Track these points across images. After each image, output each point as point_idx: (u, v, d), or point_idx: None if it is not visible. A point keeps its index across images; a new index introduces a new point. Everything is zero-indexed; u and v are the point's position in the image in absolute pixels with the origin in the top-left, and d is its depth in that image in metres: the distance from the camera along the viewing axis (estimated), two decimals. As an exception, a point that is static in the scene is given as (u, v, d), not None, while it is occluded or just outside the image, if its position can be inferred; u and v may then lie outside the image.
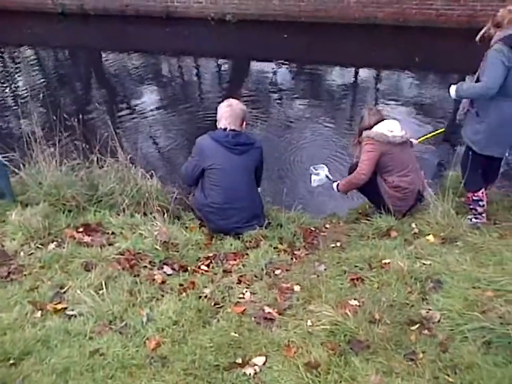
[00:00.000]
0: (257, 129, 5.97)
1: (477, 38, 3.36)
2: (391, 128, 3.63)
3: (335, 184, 3.95)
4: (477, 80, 3.33)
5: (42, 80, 8.19)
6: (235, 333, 2.21)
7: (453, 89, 3.42)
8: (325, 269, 2.88)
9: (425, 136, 4.78)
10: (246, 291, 2.62)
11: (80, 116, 3.94)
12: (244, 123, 3.42)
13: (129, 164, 3.83)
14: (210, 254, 3.07)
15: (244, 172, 3.34)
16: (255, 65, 8.92)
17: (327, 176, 4.06)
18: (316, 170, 4.09)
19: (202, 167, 3.32)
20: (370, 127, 3.66)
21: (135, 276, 2.65)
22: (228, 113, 3.32)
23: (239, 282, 2.72)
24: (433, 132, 4.45)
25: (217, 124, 3.39)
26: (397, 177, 3.65)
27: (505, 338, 2.11)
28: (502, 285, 2.48)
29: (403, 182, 3.65)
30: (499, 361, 2.03)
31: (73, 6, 11.00)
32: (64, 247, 2.89)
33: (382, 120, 3.70)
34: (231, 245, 3.20)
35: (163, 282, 2.64)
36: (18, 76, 8.34)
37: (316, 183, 4.07)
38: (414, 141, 3.97)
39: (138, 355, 2.03)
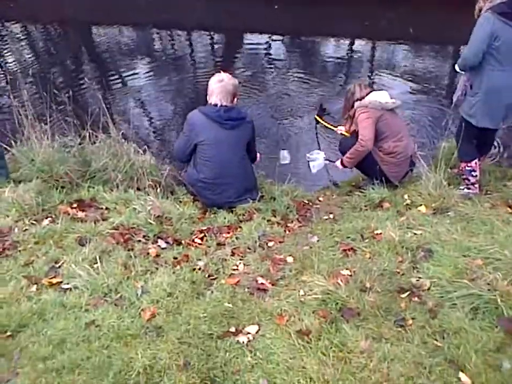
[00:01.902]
0: (250, 102, 5.92)
1: (475, 14, 3.34)
2: (382, 96, 3.75)
3: (338, 162, 3.98)
4: None
5: (31, 56, 8.06)
6: (228, 303, 2.26)
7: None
8: (318, 240, 2.92)
9: (326, 123, 4.76)
10: (240, 263, 2.66)
11: (71, 92, 3.92)
12: (235, 98, 3.39)
13: (121, 140, 3.82)
14: (204, 228, 3.09)
15: (236, 146, 3.34)
16: (246, 38, 8.79)
17: (325, 159, 4.10)
18: (312, 155, 4.12)
19: (194, 142, 3.32)
20: (362, 98, 3.75)
21: (129, 250, 2.68)
22: (219, 89, 3.29)
23: (233, 254, 2.76)
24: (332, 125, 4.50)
25: (207, 98, 3.37)
26: (392, 143, 3.74)
27: (492, 304, 2.16)
28: (491, 253, 2.53)
29: (398, 147, 3.74)
30: (485, 326, 2.09)
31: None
32: (58, 223, 2.90)
33: (371, 92, 3.80)
34: (225, 218, 3.23)
35: (157, 255, 2.67)
36: (6, 52, 8.18)
37: (315, 168, 4.12)
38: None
39: (133, 326, 2.07)
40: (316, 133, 4.86)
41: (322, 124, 4.89)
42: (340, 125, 4.38)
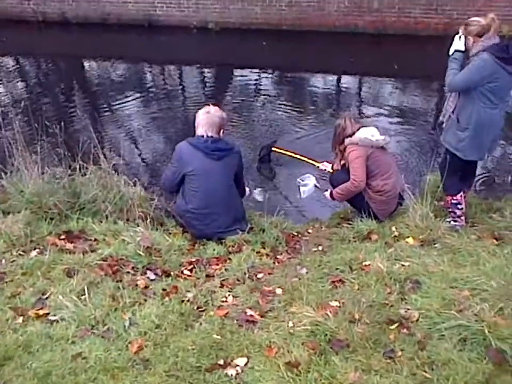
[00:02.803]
0: (239, 135, 6.03)
1: (455, 48, 3.43)
2: (372, 133, 3.76)
3: (327, 193, 4.00)
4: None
5: (23, 88, 8.17)
6: (217, 335, 2.25)
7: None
8: (307, 272, 2.93)
9: (299, 157, 4.66)
10: (229, 295, 2.66)
11: (62, 124, 3.96)
12: (222, 130, 3.47)
13: (112, 171, 3.85)
14: (193, 259, 3.10)
15: (223, 176, 3.40)
16: (237, 73, 9.01)
17: (315, 186, 4.12)
18: (303, 181, 4.15)
19: (182, 173, 3.37)
20: (352, 134, 3.76)
21: (117, 281, 2.67)
22: (205, 120, 3.38)
23: (222, 286, 2.76)
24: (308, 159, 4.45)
25: (195, 130, 3.45)
26: (381, 181, 3.75)
27: (479, 335, 2.19)
28: (478, 284, 2.57)
29: (387, 185, 3.76)
30: (474, 357, 2.11)
31: (54, 14, 10.98)
32: (46, 254, 2.89)
33: (361, 127, 3.83)
34: (214, 250, 3.24)
35: (146, 287, 2.67)
36: (-1, 85, 8.29)
37: (305, 194, 4.14)
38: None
39: (120, 358, 2.05)
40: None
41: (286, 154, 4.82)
42: (324, 161, 4.42)
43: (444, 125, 3.65)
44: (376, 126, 4.05)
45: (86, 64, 9.49)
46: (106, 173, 3.83)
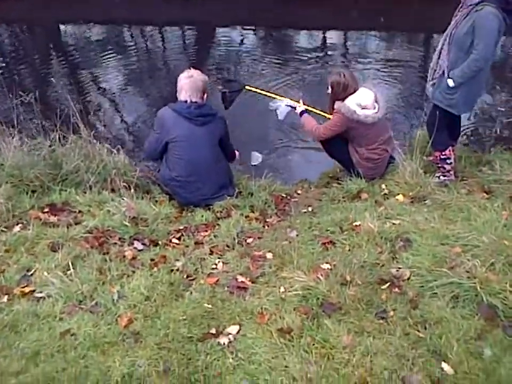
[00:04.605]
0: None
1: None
2: (365, 102, 3.53)
3: (299, 109, 3.93)
4: (449, 41, 3.28)
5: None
6: (208, 304, 2.20)
7: (450, 81, 3.29)
8: (297, 235, 2.88)
9: (314, 109, 4.30)
10: (218, 261, 2.61)
11: (38, 92, 3.76)
12: (205, 95, 3.33)
13: (93, 140, 3.70)
14: (181, 227, 3.03)
15: (207, 142, 3.28)
16: (219, 32, 8.67)
17: (287, 105, 4.02)
18: (275, 103, 4.06)
19: (165, 140, 3.25)
20: (345, 98, 3.57)
21: (104, 254, 2.60)
22: (188, 85, 3.23)
23: (211, 253, 2.70)
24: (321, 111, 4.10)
25: (177, 95, 3.30)
26: (367, 150, 3.65)
27: (471, 292, 2.17)
28: (469, 240, 2.54)
29: (373, 154, 3.66)
30: (466, 313, 2.09)
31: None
32: (29, 229, 2.79)
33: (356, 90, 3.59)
34: (202, 216, 3.17)
35: (133, 258, 2.60)
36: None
37: (282, 115, 4.04)
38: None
39: (110, 333, 2.00)
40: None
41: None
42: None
43: (433, 83, 3.51)
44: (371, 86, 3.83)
45: (61, 28, 9.05)
46: (87, 142, 3.68)
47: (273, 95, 4.13)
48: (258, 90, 4.24)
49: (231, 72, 6.79)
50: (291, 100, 4.11)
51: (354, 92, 3.57)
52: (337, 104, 3.55)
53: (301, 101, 4.04)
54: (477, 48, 3.12)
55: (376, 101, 3.59)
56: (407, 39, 7.88)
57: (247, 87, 4.30)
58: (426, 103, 3.74)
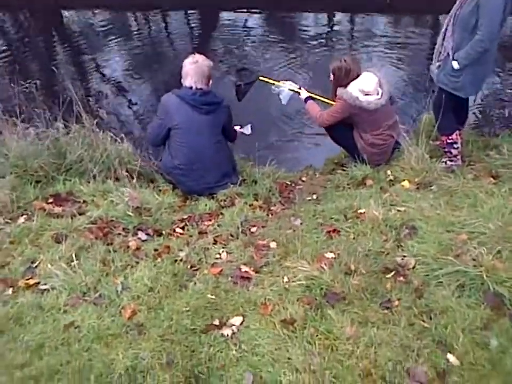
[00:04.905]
0: (229, 83, 5.75)
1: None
2: (368, 88, 3.46)
3: (304, 95, 3.89)
4: (453, 22, 3.18)
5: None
6: (212, 294, 2.19)
7: (455, 64, 3.20)
8: (301, 223, 2.85)
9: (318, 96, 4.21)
10: (222, 251, 2.59)
11: (41, 81, 3.73)
12: (210, 81, 3.27)
13: (96, 129, 3.67)
14: (185, 216, 3.00)
15: (211, 131, 3.23)
16: (225, 16, 8.52)
17: (290, 89, 3.99)
18: (278, 88, 4.01)
19: (168, 126, 3.21)
20: (357, 76, 3.49)
21: (108, 245, 2.58)
22: (193, 70, 3.17)
23: (215, 242, 2.68)
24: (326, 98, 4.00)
25: (182, 81, 3.24)
26: (371, 136, 3.59)
27: (477, 280, 2.13)
28: (475, 227, 2.50)
29: (378, 139, 3.60)
30: (472, 303, 2.06)
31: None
32: (34, 220, 2.78)
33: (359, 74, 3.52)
34: (206, 205, 3.14)
35: (137, 248, 2.58)
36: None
37: (285, 100, 4.02)
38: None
39: (114, 325, 2.00)
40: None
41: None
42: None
43: (438, 65, 3.41)
44: (372, 65, 3.77)
45: (64, 14, 8.93)
46: (91, 131, 3.65)
47: (293, 86, 4.04)
48: (271, 81, 4.18)
49: (236, 56, 6.69)
50: (291, 85, 4.05)
51: (357, 77, 3.50)
52: (340, 91, 3.48)
53: (302, 89, 3.98)
54: (481, 29, 3.03)
55: (380, 86, 3.52)
56: (414, 20, 7.70)
57: (260, 78, 4.25)
58: (429, 86, 3.64)
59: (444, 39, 3.32)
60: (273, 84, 4.13)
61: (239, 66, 4.91)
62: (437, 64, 3.43)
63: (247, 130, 3.93)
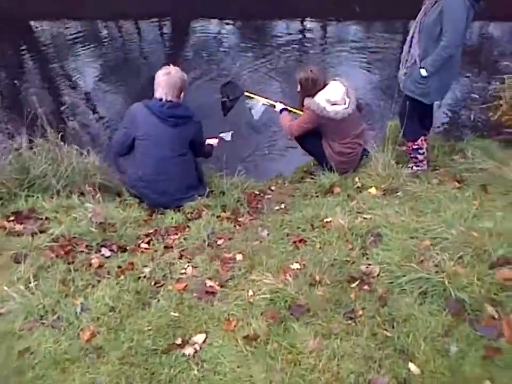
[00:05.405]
0: (201, 91, 5.72)
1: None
2: (335, 98, 3.47)
3: (279, 106, 3.96)
4: (419, 29, 3.22)
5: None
6: (175, 312, 2.14)
7: (423, 71, 3.24)
8: (268, 234, 2.83)
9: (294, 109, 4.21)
10: (188, 266, 2.53)
11: (5, 93, 3.64)
12: (182, 93, 3.24)
13: (60, 143, 3.59)
14: (151, 231, 2.94)
15: (175, 144, 3.19)
16: (197, 24, 8.49)
17: (263, 104, 4.05)
18: (251, 102, 4.04)
19: (133, 136, 3.17)
20: (315, 94, 3.51)
21: (69, 263, 2.50)
22: (165, 82, 3.14)
23: (181, 257, 2.63)
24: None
25: (154, 93, 3.20)
26: (339, 145, 3.61)
27: (439, 286, 2.14)
28: (438, 233, 2.51)
29: (346, 148, 3.62)
30: (434, 309, 2.06)
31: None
32: (-7, 240, 2.69)
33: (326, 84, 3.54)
34: (172, 218, 3.09)
35: (100, 266, 2.51)
36: None
37: (257, 115, 4.09)
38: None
39: (71, 349, 1.92)
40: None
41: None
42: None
43: (405, 72, 3.43)
44: (339, 74, 3.81)
45: (32, 25, 8.75)
46: (55, 145, 3.57)
47: (271, 101, 4.07)
48: (257, 97, 4.20)
49: (210, 64, 6.65)
50: (269, 100, 4.07)
51: (324, 86, 3.51)
52: (307, 101, 3.49)
53: (278, 102, 4.02)
54: (446, 35, 3.08)
55: (347, 95, 3.53)
56: (383, 26, 7.80)
57: (246, 93, 4.27)
58: (397, 93, 3.67)
59: (410, 46, 3.36)
60: (259, 100, 4.16)
61: (224, 80, 4.89)
62: (404, 71, 3.46)
63: (228, 136, 3.94)
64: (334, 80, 3.60)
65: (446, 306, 2.06)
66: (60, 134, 3.64)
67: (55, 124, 3.76)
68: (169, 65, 3.27)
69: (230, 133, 3.94)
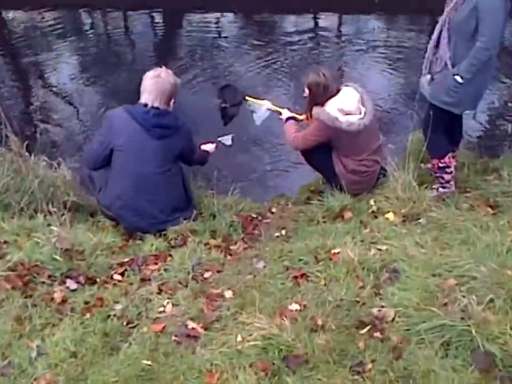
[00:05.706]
0: (196, 92, 5.75)
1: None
2: (348, 107, 3.46)
3: (285, 114, 3.92)
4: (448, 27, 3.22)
5: None
6: (148, 360, 2.10)
7: (458, 78, 3.21)
8: (264, 266, 2.81)
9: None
10: (167, 303, 2.51)
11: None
12: (172, 101, 3.23)
13: (25, 153, 3.60)
14: (126, 259, 2.93)
15: (160, 157, 3.17)
16: (192, 17, 8.59)
17: (268, 109, 4.04)
18: (254, 106, 4.05)
19: (111, 146, 3.15)
20: (324, 102, 3.49)
21: (27, 297, 2.48)
22: (152, 85, 3.14)
23: (160, 292, 2.61)
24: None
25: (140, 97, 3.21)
26: (353, 161, 3.58)
27: (465, 336, 2.09)
28: (466, 270, 2.47)
29: (361, 166, 3.60)
30: (458, 364, 2.01)
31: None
32: None
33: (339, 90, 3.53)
34: (152, 245, 3.07)
35: (63, 301, 2.49)
36: None
37: (260, 120, 4.09)
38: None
39: (21, 403, 1.89)
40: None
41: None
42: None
43: (430, 77, 3.42)
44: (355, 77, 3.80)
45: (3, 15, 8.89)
46: (18, 156, 3.58)
47: (277, 107, 4.07)
48: (259, 101, 4.20)
49: (206, 62, 6.71)
50: (275, 106, 4.07)
51: (336, 93, 3.49)
52: (316, 110, 3.48)
53: (285, 109, 4.00)
54: (483, 35, 3.07)
55: (362, 104, 3.52)
56: (406, 23, 7.86)
57: (247, 97, 4.29)
58: (417, 101, 3.67)
59: (437, 46, 3.35)
60: (261, 104, 4.16)
61: (222, 83, 4.93)
62: (428, 76, 3.45)
63: (228, 141, 3.94)
64: (346, 86, 3.60)
65: (472, 360, 2.00)
66: (26, 143, 3.68)
67: (21, 130, 3.79)
68: (160, 67, 3.27)
69: (230, 137, 3.94)
